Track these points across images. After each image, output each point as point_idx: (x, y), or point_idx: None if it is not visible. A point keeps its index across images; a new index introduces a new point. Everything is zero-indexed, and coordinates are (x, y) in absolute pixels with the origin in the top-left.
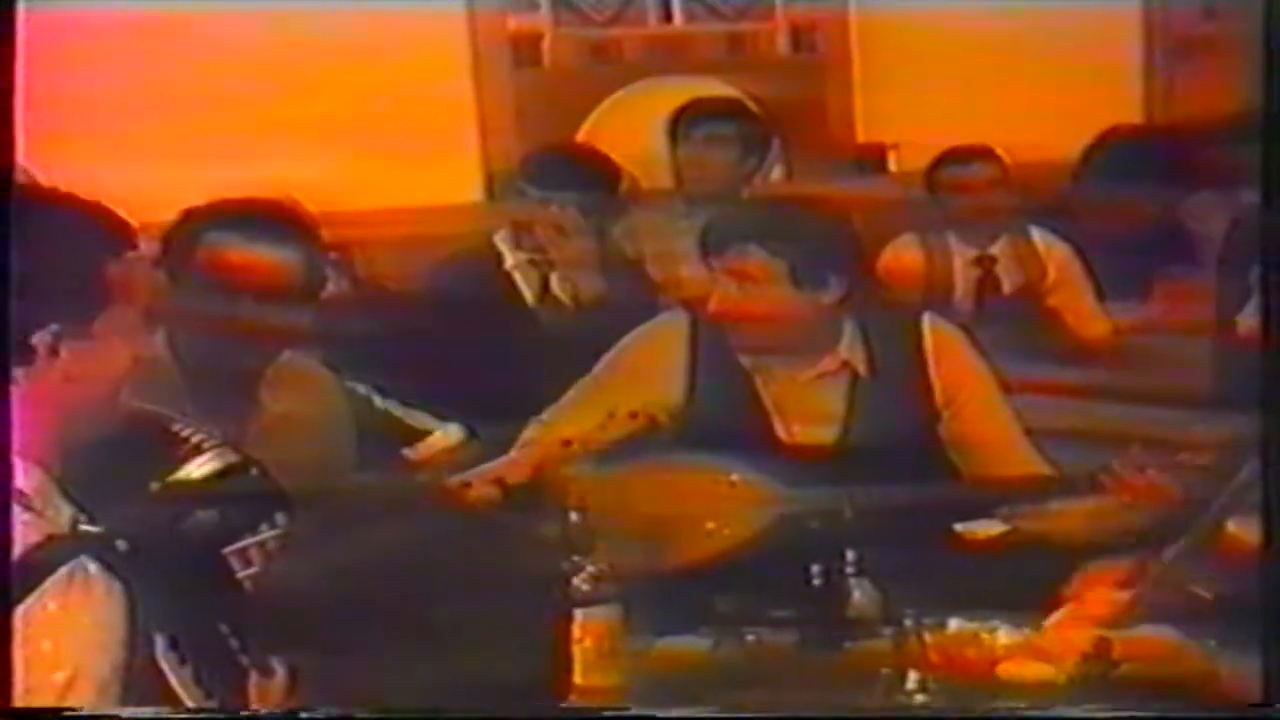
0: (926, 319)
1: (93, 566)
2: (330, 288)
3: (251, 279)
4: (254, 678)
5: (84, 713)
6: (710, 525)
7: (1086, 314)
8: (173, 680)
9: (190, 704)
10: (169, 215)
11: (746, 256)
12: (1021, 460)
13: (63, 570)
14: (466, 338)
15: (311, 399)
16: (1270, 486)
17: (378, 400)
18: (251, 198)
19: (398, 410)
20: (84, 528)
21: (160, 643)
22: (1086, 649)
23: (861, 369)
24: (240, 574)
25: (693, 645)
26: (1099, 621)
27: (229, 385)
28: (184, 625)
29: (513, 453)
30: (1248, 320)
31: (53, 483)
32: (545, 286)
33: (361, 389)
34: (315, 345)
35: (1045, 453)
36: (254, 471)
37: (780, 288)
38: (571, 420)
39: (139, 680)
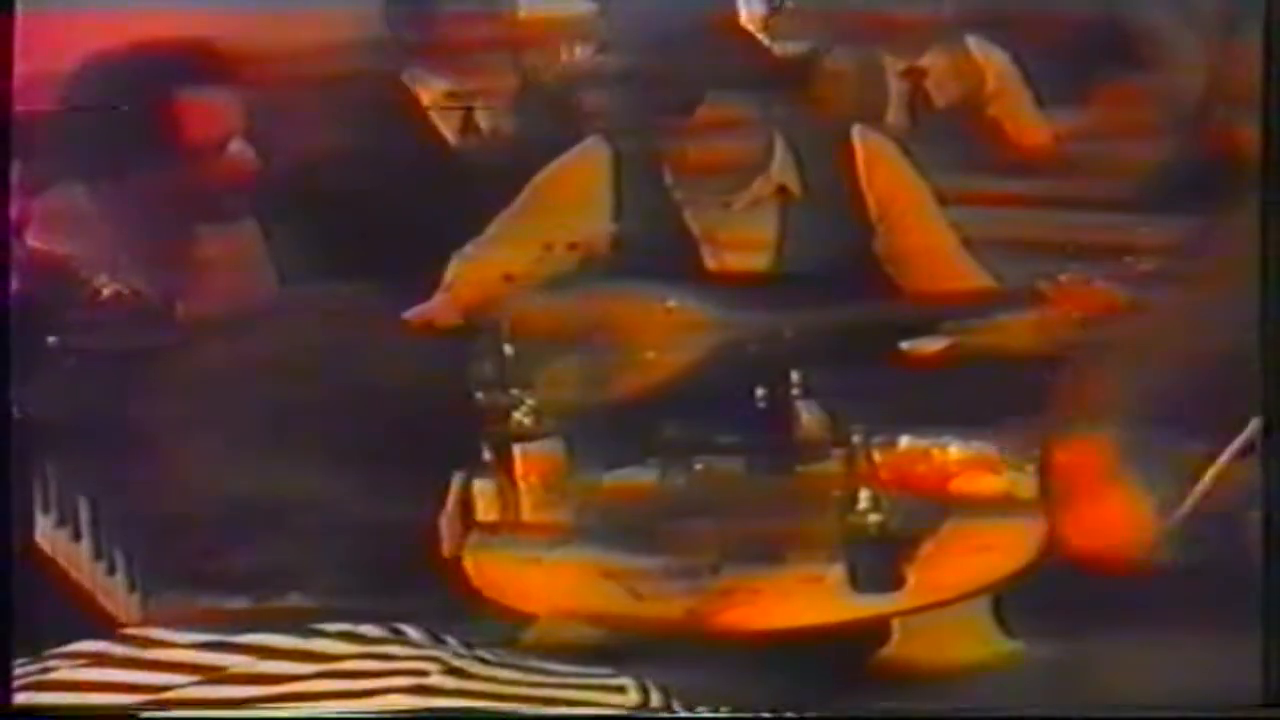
0: (856, 131)
1: None
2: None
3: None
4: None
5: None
6: (650, 354)
7: (1026, 122)
8: (61, 561)
9: (87, 580)
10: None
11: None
12: (961, 272)
13: None
14: (389, 182)
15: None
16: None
17: None
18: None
19: None
20: None
21: (43, 522)
22: None
23: (794, 189)
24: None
25: (640, 476)
26: None
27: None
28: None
29: (439, 294)
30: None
31: None
32: (466, 122)
33: None
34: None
35: (989, 264)
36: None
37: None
38: (503, 255)
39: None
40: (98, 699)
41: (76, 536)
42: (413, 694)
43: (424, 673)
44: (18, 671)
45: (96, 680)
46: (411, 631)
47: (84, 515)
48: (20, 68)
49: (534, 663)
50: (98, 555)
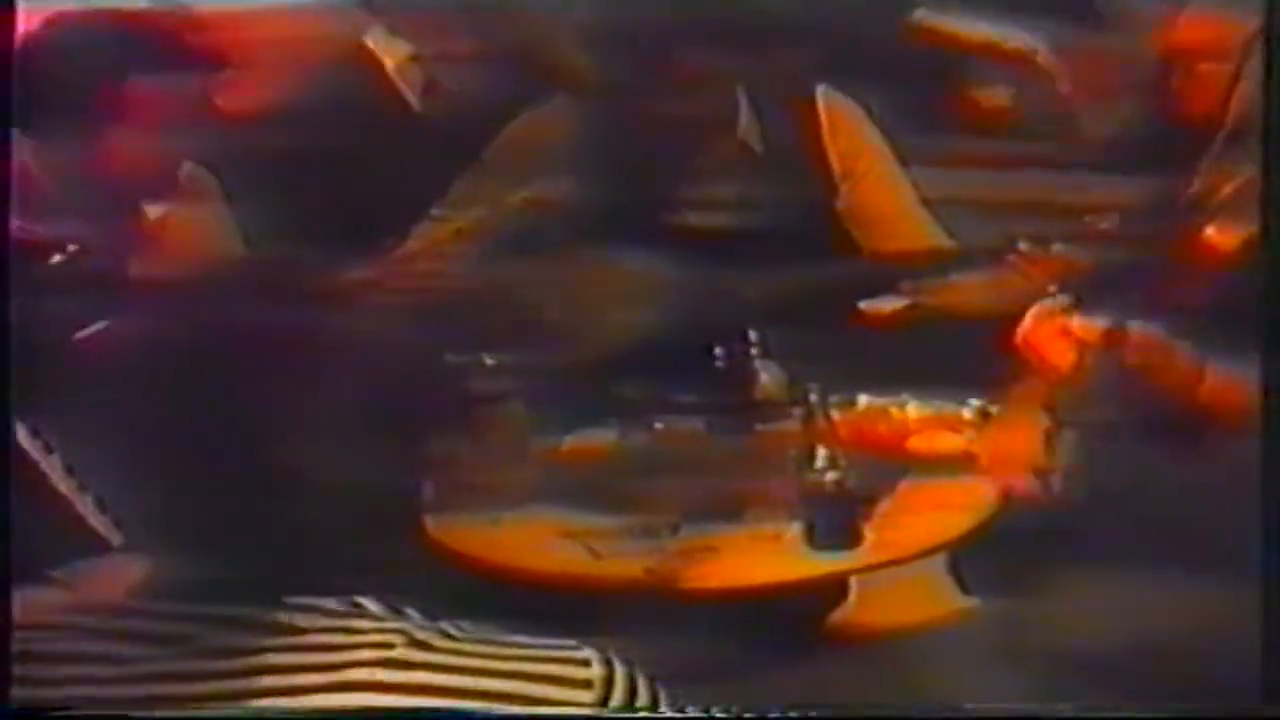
0: (820, 91)
1: None
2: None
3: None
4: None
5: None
6: (609, 314)
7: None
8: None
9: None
10: None
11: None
12: (922, 232)
13: None
14: (353, 148)
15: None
16: None
17: None
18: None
19: None
20: None
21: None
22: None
23: (757, 147)
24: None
25: (600, 438)
26: None
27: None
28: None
29: (398, 255)
30: None
31: None
32: (428, 85)
33: None
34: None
35: (948, 224)
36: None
37: None
38: (461, 212)
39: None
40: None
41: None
42: (380, 667)
43: (389, 645)
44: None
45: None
46: (371, 604)
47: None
48: None
49: (497, 635)
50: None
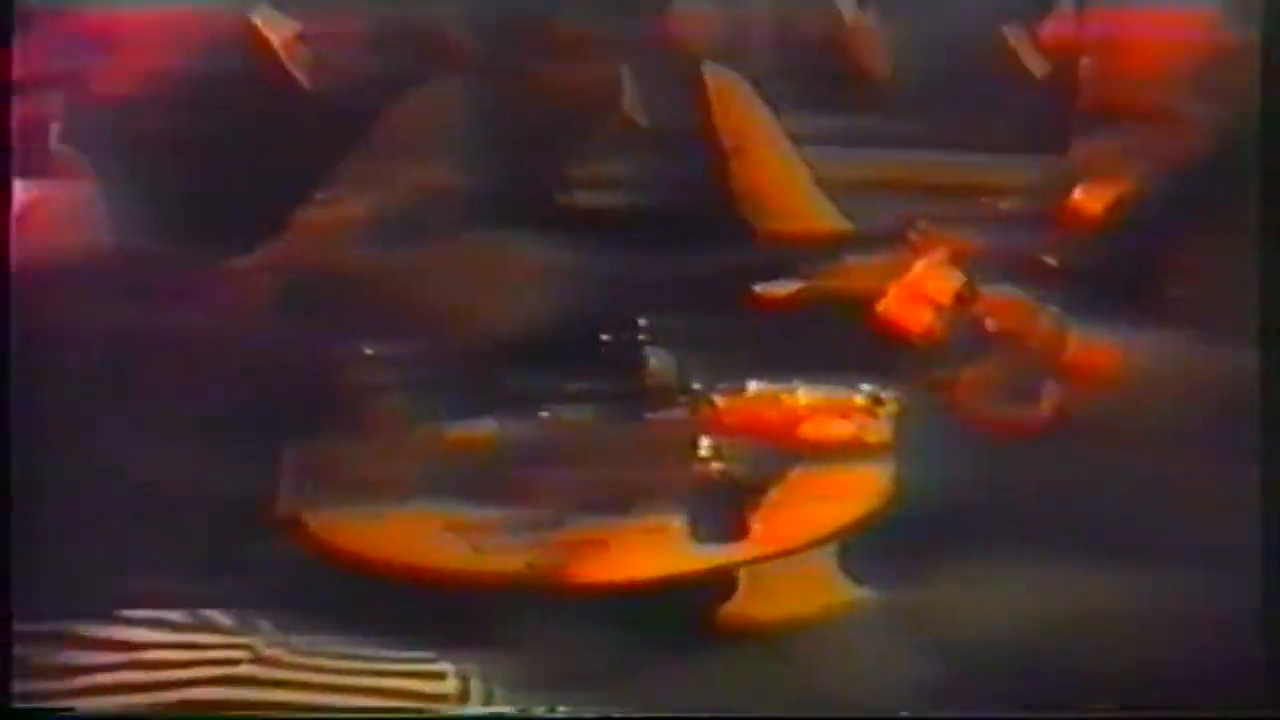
0: (707, 67)
1: None
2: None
3: None
4: None
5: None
6: (494, 300)
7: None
8: None
9: None
10: None
11: None
12: (815, 212)
13: None
14: (239, 127)
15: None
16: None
17: None
18: None
19: None
20: None
21: None
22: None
23: (644, 123)
24: None
25: (484, 428)
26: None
27: None
28: None
29: (281, 240)
30: None
31: None
32: (317, 63)
33: None
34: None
35: (845, 205)
36: None
37: None
38: (351, 196)
39: None
40: None
41: None
42: (221, 685)
43: (233, 662)
44: None
45: None
46: (220, 618)
47: None
48: None
49: (349, 649)
50: None
